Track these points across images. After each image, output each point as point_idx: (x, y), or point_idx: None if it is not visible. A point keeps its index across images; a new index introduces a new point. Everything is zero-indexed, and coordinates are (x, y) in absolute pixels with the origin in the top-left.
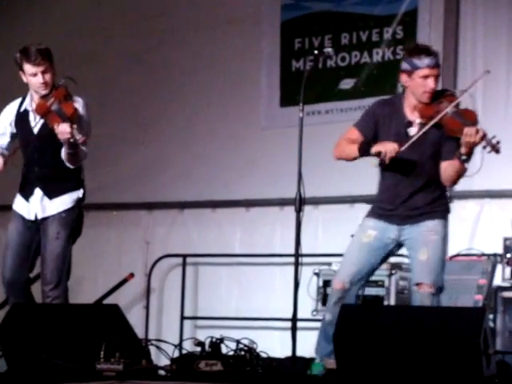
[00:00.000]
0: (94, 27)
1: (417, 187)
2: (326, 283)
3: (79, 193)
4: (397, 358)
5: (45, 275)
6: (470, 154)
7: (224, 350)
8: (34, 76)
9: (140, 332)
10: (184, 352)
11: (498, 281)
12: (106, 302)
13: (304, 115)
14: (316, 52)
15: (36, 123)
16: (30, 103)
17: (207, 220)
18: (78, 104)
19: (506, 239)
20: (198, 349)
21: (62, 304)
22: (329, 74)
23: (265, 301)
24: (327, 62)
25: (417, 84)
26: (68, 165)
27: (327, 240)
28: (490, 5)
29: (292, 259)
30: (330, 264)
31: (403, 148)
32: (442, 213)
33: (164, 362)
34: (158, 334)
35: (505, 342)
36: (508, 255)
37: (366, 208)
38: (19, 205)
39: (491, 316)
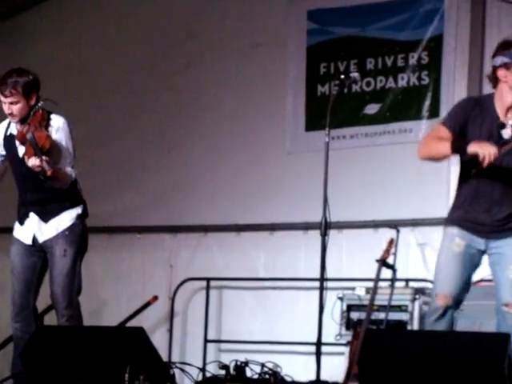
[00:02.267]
0: (122, 50)
1: (506, 194)
2: (350, 308)
3: (78, 209)
4: (420, 382)
5: (55, 295)
6: None
7: (248, 373)
8: (3, 104)
9: (163, 355)
10: (208, 375)
11: None
12: (129, 324)
13: (329, 140)
14: (342, 76)
15: (21, 147)
16: (15, 127)
17: (231, 243)
18: (55, 128)
19: None
20: (222, 372)
21: (87, 326)
22: (354, 98)
23: (288, 325)
24: (352, 87)
25: None
26: (56, 187)
27: (351, 264)
28: None
29: (316, 283)
30: (353, 288)
31: (503, 151)
32: None
33: None
34: (182, 358)
35: None
36: None
37: (389, 233)
38: (16, 229)
39: None
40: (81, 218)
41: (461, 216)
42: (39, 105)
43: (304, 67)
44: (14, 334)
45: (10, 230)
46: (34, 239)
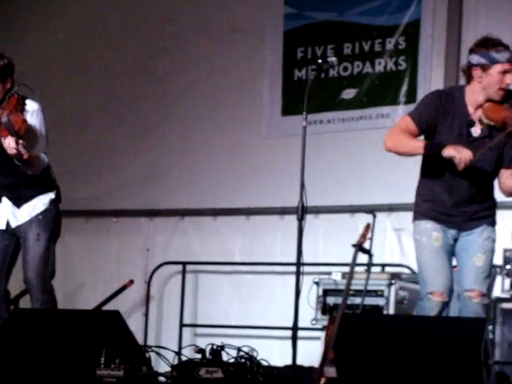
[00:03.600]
0: (97, 34)
1: (476, 191)
2: (326, 292)
3: (51, 195)
4: (397, 368)
5: (29, 279)
6: None
7: (224, 357)
8: None
9: (139, 339)
10: (184, 359)
11: (497, 292)
12: (105, 308)
13: (307, 124)
14: (320, 61)
15: None
16: None
17: (208, 228)
18: (30, 112)
19: (505, 250)
20: (198, 356)
21: (63, 309)
22: (331, 83)
23: (264, 309)
24: (329, 72)
25: (493, 80)
26: (29, 173)
27: (327, 249)
28: (493, 16)
29: (292, 268)
30: (329, 273)
31: (478, 156)
32: (495, 220)
33: (164, 368)
34: (157, 342)
35: (503, 352)
36: (508, 266)
37: (365, 217)
38: None
39: (490, 327)
40: (54, 203)
41: (433, 209)
42: (14, 89)
43: (281, 52)
44: None
45: None
46: (7, 224)
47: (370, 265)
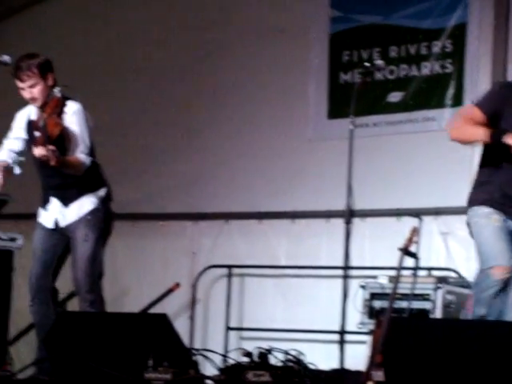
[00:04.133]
0: (142, 37)
1: None
2: (373, 296)
3: (100, 193)
4: (444, 372)
5: (77, 280)
6: None
7: (272, 360)
8: (22, 90)
9: (185, 342)
10: (231, 362)
11: None
12: (151, 311)
13: (354, 127)
14: (367, 64)
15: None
16: (35, 113)
17: (253, 231)
18: (69, 114)
19: None
20: (245, 359)
21: (111, 312)
22: (377, 86)
23: (310, 313)
24: (376, 75)
25: None
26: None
27: (373, 253)
28: None
29: (337, 272)
30: (376, 277)
31: None
32: None
33: (210, 372)
34: (203, 345)
35: None
36: None
37: (412, 221)
38: (40, 214)
39: None
40: (103, 201)
41: (495, 198)
42: (56, 90)
43: (327, 55)
44: (33, 318)
45: (33, 215)
46: (56, 223)
47: (416, 268)
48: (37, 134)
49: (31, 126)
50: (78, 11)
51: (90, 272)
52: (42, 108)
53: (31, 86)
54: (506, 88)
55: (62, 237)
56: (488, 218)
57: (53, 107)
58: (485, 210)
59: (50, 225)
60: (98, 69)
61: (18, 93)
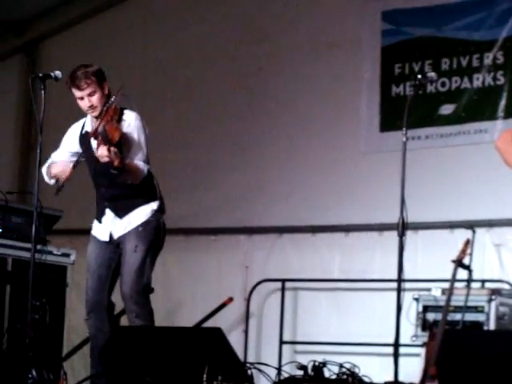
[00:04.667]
0: (196, 51)
1: None
2: (426, 308)
3: (153, 205)
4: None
5: (124, 291)
6: None
7: (326, 374)
8: (81, 100)
9: (239, 356)
10: (285, 376)
11: None
12: (205, 326)
13: (406, 140)
14: (419, 76)
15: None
16: (90, 125)
17: (306, 244)
18: (127, 122)
19: None
20: (299, 373)
21: (165, 327)
22: (429, 99)
23: (363, 326)
24: (427, 87)
25: None
26: (128, 181)
27: (426, 265)
28: None
29: (391, 284)
30: (429, 289)
31: None
32: None
33: None
34: (257, 358)
35: None
36: None
37: (465, 233)
38: (94, 227)
39: None
40: (156, 214)
41: None
42: (112, 99)
43: (378, 68)
44: (88, 332)
45: (87, 231)
46: (111, 236)
47: (469, 281)
48: (96, 140)
49: (87, 136)
50: (135, 25)
51: (136, 284)
52: (99, 117)
53: (90, 95)
54: None
55: (116, 250)
56: None
57: (111, 115)
58: None
59: (104, 237)
60: (150, 84)
61: (74, 105)
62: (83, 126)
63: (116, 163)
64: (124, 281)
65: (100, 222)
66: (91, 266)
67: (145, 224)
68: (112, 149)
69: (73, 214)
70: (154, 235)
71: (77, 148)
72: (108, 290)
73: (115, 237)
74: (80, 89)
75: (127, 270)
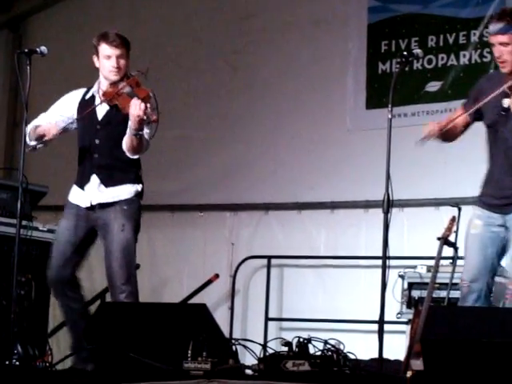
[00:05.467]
0: (182, 28)
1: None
2: (411, 286)
3: (138, 187)
4: (483, 361)
5: (114, 270)
6: None
7: (311, 350)
8: (108, 58)
9: (225, 333)
10: (270, 352)
11: None
12: (191, 302)
13: (392, 117)
14: (405, 53)
15: (102, 109)
16: (98, 90)
17: (292, 221)
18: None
19: None
20: (284, 349)
21: (150, 303)
22: (415, 76)
23: (349, 303)
24: (414, 65)
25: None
26: (128, 154)
27: (412, 242)
28: None
29: (377, 261)
30: (414, 267)
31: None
32: None
33: (249, 361)
34: (243, 335)
35: None
36: None
37: (451, 211)
38: (74, 194)
39: None
40: (138, 196)
41: (481, 194)
42: (134, 73)
43: (365, 45)
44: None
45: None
46: (91, 202)
47: (455, 258)
48: (110, 104)
49: (92, 102)
50: (123, 4)
51: (127, 262)
52: (117, 83)
53: (119, 56)
54: (483, 79)
55: (87, 224)
56: (470, 222)
57: (135, 82)
58: (475, 212)
59: (84, 204)
60: (136, 61)
61: (60, 81)
62: (85, 93)
63: (153, 117)
64: (112, 260)
65: (83, 189)
66: (59, 242)
67: (130, 202)
68: (148, 105)
69: (59, 190)
70: (138, 215)
71: (71, 113)
72: (74, 266)
73: (94, 202)
74: (115, 47)
75: (116, 249)
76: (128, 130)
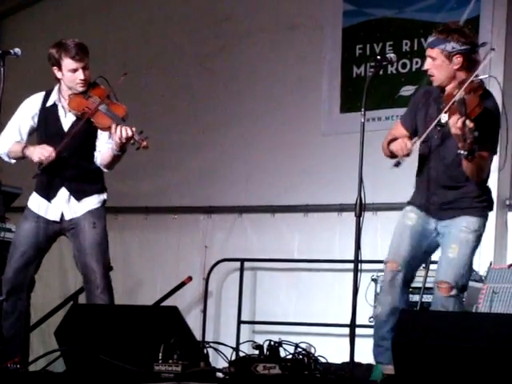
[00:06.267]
0: (158, 32)
1: (451, 180)
2: None
3: (104, 196)
4: (454, 365)
5: (89, 267)
6: None
7: (282, 353)
8: (73, 72)
9: (197, 335)
10: (242, 355)
11: None
12: (163, 304)
13: (365, 121)
14: (379, 57)
15: (67, 120)
16: (59, 98)
17: (266, 225)
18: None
19: None
20: (256, 352)
21: (122, 305)
22: (389, 80)
23: (322, 306)
24: (388, 69)
25: None
26: (104, 168)
27: (386, 246)
28: None
29: (350, 265)
30: None
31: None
32: (478, 209)
33: (221, 364)
34: (215, 338)
35: None
36: None
37: None
38: (37, 205)
39: None
40: (103, 203)
41: (416, 197)
42: (97, 81)
43: (340, 49)
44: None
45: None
46: (62, 216)
47: (428, 262)
48: (92, 117)
49: (55, 111)
50: (98, 6)
51: (102, 259)
52: (84, 93)
53: (84, 68)
54: (419, 94)
55: (57, 231)
56: (404, 216)
57: (105, 95)
58: (407, 208)
59: (53, 217)
60: (111, 64)
61: (34, 83)
62: (44, 99)
63: (143, 144)
64: (88, 256)
65: (49, 201)
66: (20, 244)
67: (98, 209)
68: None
69: (32, 192)
70: (105, 219)
71: (33, 123)
72: (34, 270)
73: (67, 218)
74: (80, 60)
75: (89, 245)
76: (111, 148)
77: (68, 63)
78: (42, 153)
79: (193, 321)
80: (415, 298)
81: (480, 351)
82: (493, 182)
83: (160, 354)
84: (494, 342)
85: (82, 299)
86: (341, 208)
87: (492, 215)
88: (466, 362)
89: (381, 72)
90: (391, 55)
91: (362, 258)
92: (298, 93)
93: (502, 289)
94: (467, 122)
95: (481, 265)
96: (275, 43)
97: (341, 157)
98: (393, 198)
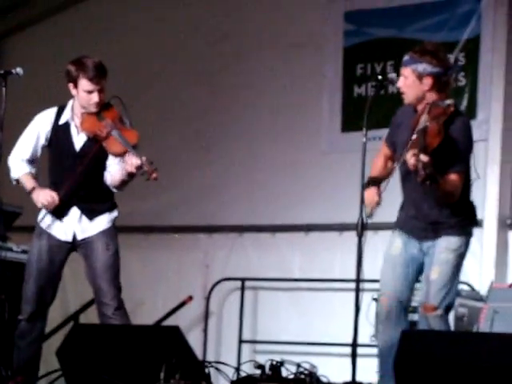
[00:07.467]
0: (159, 50)
1: (430, 202)
2: None
3: (115, 213)
4: None
5: (101, 288)
6: None
7: (284, 373)
8: (88, 93)
9: (198, 355)
10: (243, 375)
11: None
12: (164, 324)
13: (366, 140)
14: (380, 77)
15: (79, 139)
16: (72, 116)
17: (267, 244)
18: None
19: None
20: (258, 372)
21: (123, 325)
22: (390, 99)
23: (323, 326)
24: (389, 88)
25: None
26: (113, 189)
27: None
28: None
29: (351, 285)
30: None
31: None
32: (460, 229)
33: None
34: (217, 358)
35: None
36: None
37: None
38: (49, 223)
39: None
40: (114, 222)
41: (400, 219)
42: (111, 101)
43: (341, 68)
44: (20, 331)
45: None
46: (74, 236)
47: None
48: (104, 141)
49: (67, 129)
50: (94, 24)
51: (114, 279)
52: (97, 114)
53: (100, 91)
54: (398, 113)
55: (70, 251)
56: (391, 244)
57: (117, 118)
58: (393, 233)
59: (65, 237)
60: (112, 81)
61: (35, 102)
62: (57, 116)
63: (153, 176)
64: (102, 277)
65: (61, 220)
66: (42, 264)
67: (110, 228)
68: (145, 158)
69: (33, 211)
70: (117, 238)
71: (44, 141)
72: (56, 288)
73: (79, 238)
74: (97, 83)
75: (101, 266)
76: (121, 172)
77: (84, 84)
78: (46, 198)
79: (194, 340)
80: (416, 317)
81: (483, 371)
82: (493, 201)
83: (162, 374)
84: (497, 361)
85: (83, 319)
86: (342, 227)
87: (493, 234)
88: (467, 382)
89: (382, 92)
90: (392, 75)
91: (364, 278)
92: (298, 111)
93: (503, 308)
94: (421, 156)
95: (482, 284)
96: (276, 62)
97: (342, 176)
98: (393, 217)
